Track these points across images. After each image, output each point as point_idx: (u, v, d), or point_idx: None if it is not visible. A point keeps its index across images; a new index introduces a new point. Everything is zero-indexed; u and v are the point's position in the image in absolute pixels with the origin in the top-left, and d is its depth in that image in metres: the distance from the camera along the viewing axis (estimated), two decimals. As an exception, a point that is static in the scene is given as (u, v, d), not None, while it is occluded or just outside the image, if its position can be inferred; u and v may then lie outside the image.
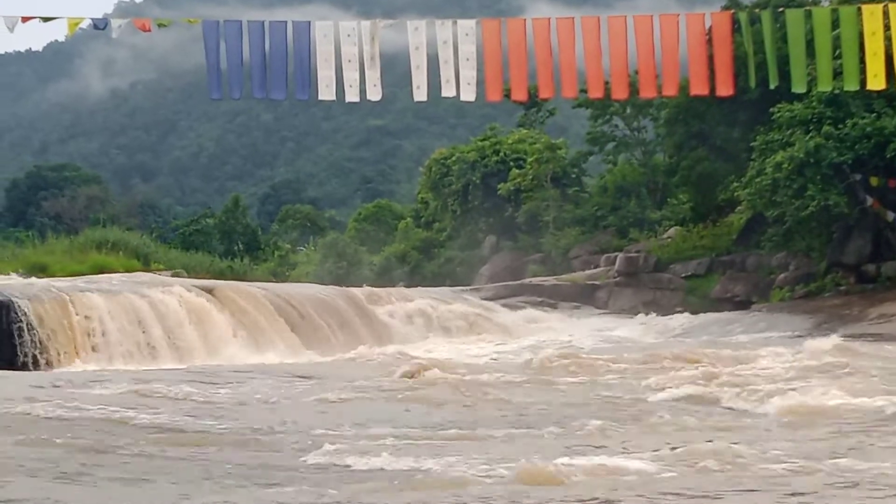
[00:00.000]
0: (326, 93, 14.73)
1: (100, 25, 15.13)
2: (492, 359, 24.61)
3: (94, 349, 23.73)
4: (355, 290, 33.81)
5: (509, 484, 9.74)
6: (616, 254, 40.48)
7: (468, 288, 40.36)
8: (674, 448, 11.32)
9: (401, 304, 33.44)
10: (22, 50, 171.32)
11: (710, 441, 11.72)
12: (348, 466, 10.90)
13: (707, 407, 14.95)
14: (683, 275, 38.26)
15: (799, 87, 15.00)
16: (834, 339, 22.80)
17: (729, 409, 14.86)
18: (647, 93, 15.28)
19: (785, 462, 10.50)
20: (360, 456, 11.25)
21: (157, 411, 14.85)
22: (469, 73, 14.58)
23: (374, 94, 14.72)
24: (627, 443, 11.95)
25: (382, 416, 14.47)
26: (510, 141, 51.57)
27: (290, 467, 10.97)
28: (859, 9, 14.56)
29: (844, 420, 13.28)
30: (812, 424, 13.00)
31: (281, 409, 15.56)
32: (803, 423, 13.09)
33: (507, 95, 15.84)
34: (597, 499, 9.10)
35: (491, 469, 10.43)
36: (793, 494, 9.21)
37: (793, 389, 15.65)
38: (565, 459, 10.57)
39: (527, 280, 41.24)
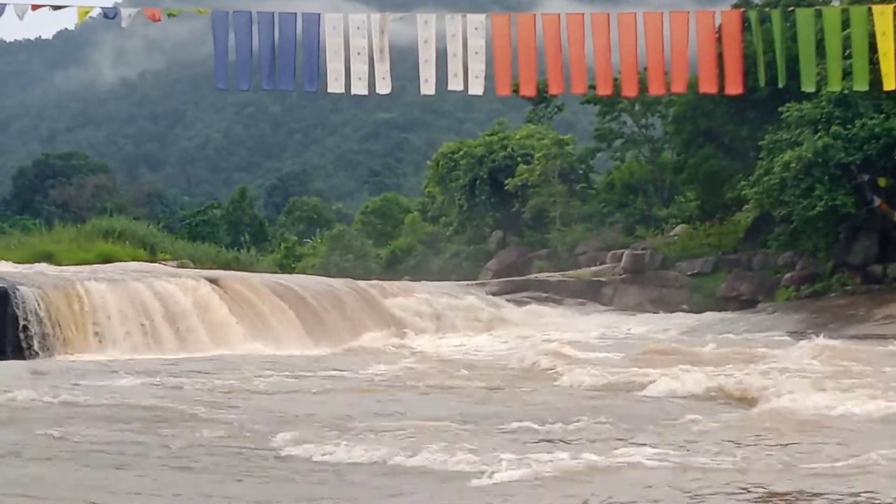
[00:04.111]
0: (335, 85, 14.70)
1: (110, 14, 15.10)
2: (493, 353, 24.60)
3: (98, 338, 23.74)
4: (361, 283, 33.82)
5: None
6: (622, 251, 40.47)
7: (474, 282, 40.36)
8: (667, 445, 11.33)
9: (406, 297, 33.42)
10: (31, 38, 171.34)
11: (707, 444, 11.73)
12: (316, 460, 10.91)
13: (701, 406, 14.95)
14: (689, 273, 38.26)
15: (808, 87, 14.95)
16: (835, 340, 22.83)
17: (718, 405, 14.86)
18: (656, 90, 15.22)
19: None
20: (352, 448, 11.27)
21: (160, 401, 14.86)
22: (477, 67, 14.55)
23: (383, 87, 14.69)
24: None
25: (374, 408, 14.50)
26: (518, 136, 51.54)
27: (266, 458, 11.00)
28: (870, 9, 14.51)
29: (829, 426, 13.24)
30: (800, 430, 12.95)
31: (279, 399, 15.57)
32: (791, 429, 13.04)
33: (516, 90, 15.81)
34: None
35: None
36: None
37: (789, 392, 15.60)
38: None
39: (532, 276, 41.24)
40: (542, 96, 46.79)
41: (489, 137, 52.59)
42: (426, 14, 14.81)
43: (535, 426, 12.85)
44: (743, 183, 36.08)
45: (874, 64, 14.44)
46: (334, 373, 19.34)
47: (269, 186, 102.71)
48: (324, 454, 11.09)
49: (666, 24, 14.60)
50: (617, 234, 44.72)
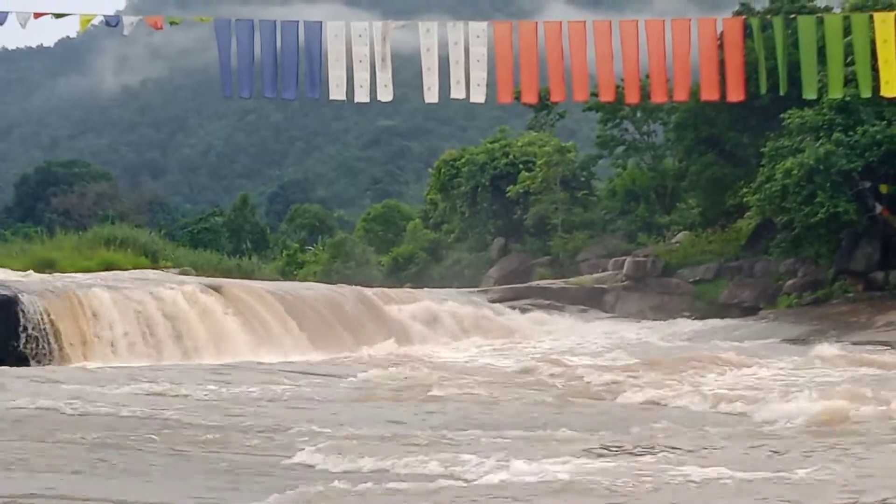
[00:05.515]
0: (337, 92, 14.72)
1: (112, 22, 15.12)
2: (494, 360, 24.59)
3: (100, 346, 23.77)
4: (364, 290, 33.83)
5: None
6: (624, 258, 40.43)
7: (475, 290, 40.35)
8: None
9: (408, 304, 33.43)
10: (33, 45, 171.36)
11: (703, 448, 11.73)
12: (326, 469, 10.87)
13: (698, 413, 14.95)
14: (691, 280, 38.22)
15: (810, 94, 14.97)
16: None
17: (724, 414, 14.86)
18: (658, 97, 15.25)
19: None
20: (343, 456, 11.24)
21: (161, 408, 14.87)
22: (479, 75, 14.56)
23: (385, 94, 14.71)
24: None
25: (372, 417, 14.50)
26: (520, 143, 51.51)
27: (267, 465, 10.99)
28: (871, 16, 14.54)
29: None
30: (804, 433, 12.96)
31: (281, 407, 15.57)
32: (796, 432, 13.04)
33: (518, 98, 15.83)
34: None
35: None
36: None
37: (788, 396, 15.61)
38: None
39: (534, 283, 41.22)
40: (543, 103, 46.78)
41: (491, 145, 52.56)
42: (428, 22, 14.83)
43: (536, 431, 12.85)
44: (745, 190, 36.07)
45: (876, 71, 14.47)
46: (334, 381, 19.35)
47: (271, 194, 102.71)
48: (324, 462, 11.08)
49: (668, 32, 14.62)
50: (619, 241, 44.68)
